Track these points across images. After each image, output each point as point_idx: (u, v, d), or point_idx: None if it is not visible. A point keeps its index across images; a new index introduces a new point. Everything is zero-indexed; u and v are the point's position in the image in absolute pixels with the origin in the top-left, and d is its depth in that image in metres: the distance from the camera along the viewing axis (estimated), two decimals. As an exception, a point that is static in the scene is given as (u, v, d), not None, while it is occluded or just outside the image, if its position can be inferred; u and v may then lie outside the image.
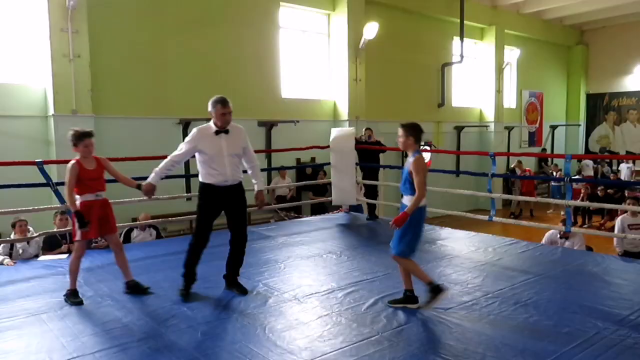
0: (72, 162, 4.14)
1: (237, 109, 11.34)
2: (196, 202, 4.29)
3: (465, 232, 6.93)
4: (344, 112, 11.94)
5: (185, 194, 8.36)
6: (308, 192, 10.86)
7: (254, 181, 4.36)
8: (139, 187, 4.26)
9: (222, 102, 4.15)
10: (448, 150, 14.28)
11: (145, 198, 6.34)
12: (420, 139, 3.84)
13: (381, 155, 8.47)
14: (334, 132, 7.78)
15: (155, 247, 6.23)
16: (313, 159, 11.11)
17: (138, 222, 6.92)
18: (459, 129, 15.38)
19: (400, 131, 3.80)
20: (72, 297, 4.15)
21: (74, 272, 4.21)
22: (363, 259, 4.86)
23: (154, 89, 9.20)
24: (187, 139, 4.28)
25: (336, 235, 6.85)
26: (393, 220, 3.72)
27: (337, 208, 8.64)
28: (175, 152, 4.30)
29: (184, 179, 9.15)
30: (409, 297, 3.98)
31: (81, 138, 4.10)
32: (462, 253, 5.73)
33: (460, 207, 12.18)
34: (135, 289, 4.34)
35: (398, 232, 3.82)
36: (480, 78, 16.06)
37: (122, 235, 6.87)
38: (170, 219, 7.13)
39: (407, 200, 3.82)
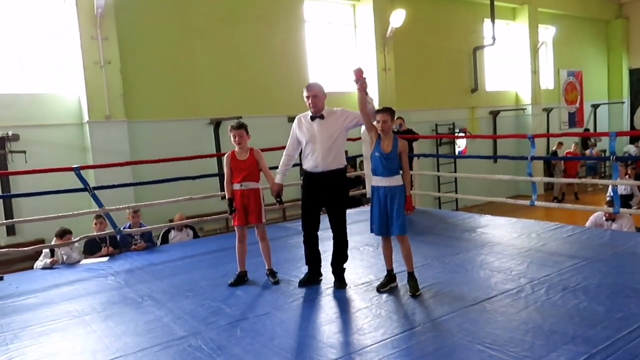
0: (228, 152, 4.53)
1: (266, 106, 11.33)
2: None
3: (507, 218, 6.79)
4: (374, 102, 11.81)
5: (220, 193, 8.45)
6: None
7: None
8: (278, 195, 4.43)
9: (306, 87, 4.26)
10: (484, 135, 13.99)
11: (182, 198, 6.53)
12: None
13: (416, 143, 8.35)
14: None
15: (192, 246, 6.31)
16: (346, 152, 11.07)
17: (175, 223, 7.03)
18: (494, 114, 15.05)
19: (384, 116, 4.02)
20: (234, 280, 4.50)
21: (237, 256, 4.53)
22: (397, 254, 4.81)
23: (183, 90, 9.32)
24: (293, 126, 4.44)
25: (372, 227, 6.79)
26: (408, 207, 4.03)
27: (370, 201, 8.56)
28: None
29: (217, 178, 9.25)
30: (393, 276, 4.21)
31: (230, 130, 4.42)
32: (504, 240, 5.61)
33: (500, 194, 11.91)
34: (269, 276, 4.56)
35: (399, 214, 3.97)
36: (515, 60, 15.63)
37: (160, 237, 6.99)
38: (205, 218, 7.20)
39: (394, 180, 4.01)
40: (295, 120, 4.39)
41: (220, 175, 8.68)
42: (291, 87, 10.61)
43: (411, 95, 12.57)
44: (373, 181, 4.11)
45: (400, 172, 4.06)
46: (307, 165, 4.27)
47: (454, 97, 13.96)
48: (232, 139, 4.44)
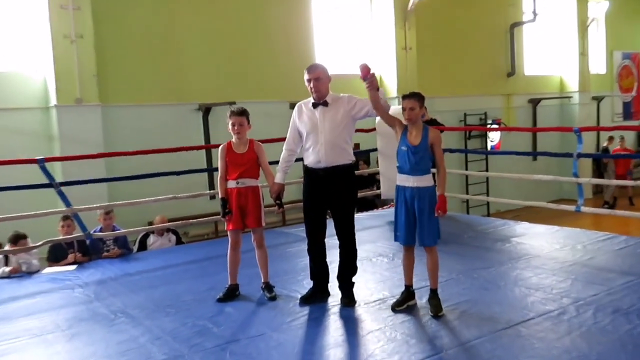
0: (223, 144, 4.52)
1: (264, 90, 11.33)
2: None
3: (547, 226, 6.76)
4: (391, 87, 11.86)
5: (209, 191, 8.46)
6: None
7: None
8: (278, 196, 4.41)
9: (307, 69, 4.26)
10: (521, 128, 13.94)
11: (163, 197, 6.53)
12: None
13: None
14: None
15: (175, 254, 6.31)
16: (357, 145, 11.05)
17: (155, 226, 7.02)
18: (534, 102, 15.01)
19: (410, 102, 3.99)
20: (224, 294, 4.49)
21: (229, 265, 4.53)
22: (421, 262, 4.76)
23: (167, 70, 9.34)
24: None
25: (388, 234, 6.77)
26: (440, 208, 3.95)
27: (388, 203, 8.55)
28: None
29: (206, 174, 9.25)
30: (411, 292, 4.18)
31: (230, 116, 4.41)
32: (544, 252, 5.58)
33: (540, 197, 11.79)
34: (265, 291, 4.54)
35: (430, 219, 3.96)
36: (559, 39, 15.59)
37: (137, 242, 7.00)
38: (191, 221, 7.20)
39: (423, 180, 3.98)
40: (295, 108, 4.38)
41: (211, 170, 8.73)
42: (294, 69, 10.54)
43: (436, 80, 12.55)
44: (398, 180, 4.09)
45: (433, 170, 4.02)
46: (309, 160, 4.27)
47: (487, 82, 13.92)
48: (230, 127, 4.43)
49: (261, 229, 4.54)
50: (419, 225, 4.00)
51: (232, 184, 4.45)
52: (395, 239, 4.14)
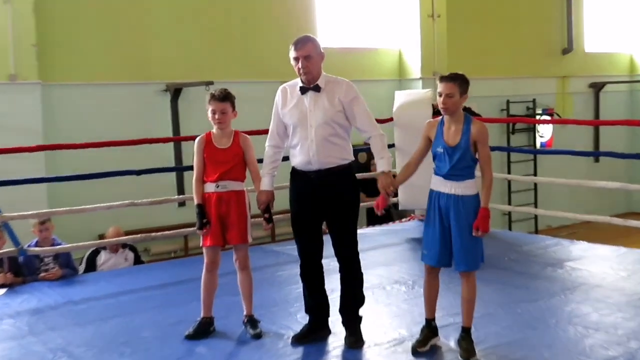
0: (201, 135, 4.55)
1: (250, 67, 11.35)
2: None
3: (612, 247, 6.79)
4: (413, 66, 11.86)
5: (177, 197, 8.44)
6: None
7: (376, 159, 4.34)
8: (267, 208, 4.42)
9: (294, 43, 4.24)
10: (580, 121, 13.90)
11: (119, 203, 6.51)
12: None
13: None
14: (400, 97, 7.72)
15: (132, 276, 6.30)
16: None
17: (107, 241, 7.01)
18: (597, 87, 14.99)
19: (449, 87, 3.99)
20: (194, 329, 4.48)
21: (203, 293, 4.53)
22: (448, 291, 4.74)
23: (128, 41, 9.32)
24: None
25: (406, 255, 6.80)
26: (479, 226, 3.94)
27: (408, 214, 8.54)
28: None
29: (175, 174, 9.23)
30: (434, 328, 4.19)
31: (210, 101, 4.45)
32: (607, 281, 5.59)
33: (603, 210, 11.82)
34: (248, 326, 4.55)
35: (470, 237, 3.97)
36: (630, 7, 15.57)
37: (85, 260, 6.99)
38: (154, 234, 7.18)
39: (463, 186, 3.98)
40: (278, 92, 4.36)
41: (181, 169, 8.70)
42: (287, 41, 10.50)
43: (470, 56, 12.52)
44: (432, 182, 4.08)
45: (476, 174, 4.02)
46: (296, 161, 4.26)
47: (535, 60, 13.91)
48: (209, 114, 4.44)
49: (246, 247, 4.54)
50: (455, 244, 3.99)
51: (210, 187, 4.44)
52: (422, 259, 4.13)
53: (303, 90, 4.23)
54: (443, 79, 4.05)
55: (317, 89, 4.21)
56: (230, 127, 4.49)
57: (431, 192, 4.09)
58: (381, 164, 4.24)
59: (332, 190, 4.21)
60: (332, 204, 4.23)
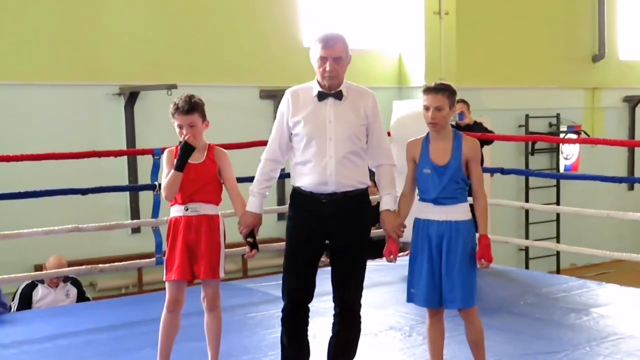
0: (170, 149, 4.58)
1: (222, 69, 11.36)
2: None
3: (647, 291, 6.81)
4: (416, 72, 11.92)
5: (130, 222, 8.42)
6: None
7: (382, 193, 4.36)
8: (252, 233, 4.42)
9: (323, 40, 4.17)
10: (612, 140, 13.97)
11: (60, 228, 6.48)
12: None
13: (486, 149, 8.37)
14: (399, 108, 7.78)
15: (75, 316, 6.27)
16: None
17: (46, 272, 6.98)
18: (632, 102, 15.08)
19: (436, 99, 4.09)
20: None
21: (161, 337, 4.50)
22: (452, 340, 4.76)
23: (76, 37, 9.30)
24: (278, 109, 4.42)
25: (402, 297, 6.60)
26: (483, 256, 4.08)
27: (407, 248, 8.55)
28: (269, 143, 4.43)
29: (128, 194, 9.21)
30: None
31: (174, 114, 4.45)
32: (641, 331, 5.63)
33: (638, 246, 11.91)
34: None
35: (463, 270, 4.05)
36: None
37: (18, 295, 6.96)
38: (101, 266, 7.16)
39: (455, 211, 4.07)
40: (287, 96, 4.31)
41: (135, 188, 8.66)
42: (269, 42, 10.65)
43: (482, 62, 12.64)
44: (417, 210, 4.12)
45: (469, 198, 4.10)
46: (306, 180, 4.21)
47: (561, 68, 14.00)
48: (176, 129, 4.43)
49: (217, 283, 4.53)
50: (449, 278, 4.03)
51: (178, 210, 4.45)
52: (409, 299, 4.16)
53: (321, 96, 4.21)
54: (429, 90, 4.12)
55: (339, 96, 4.20)
56: (202, 140, 4.50)
57: (417, 221, 4.14)
58: (388, 201, 4.26)
59: (347, 219, 4.19)
60: (346, 235, 4.22)
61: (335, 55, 4.11)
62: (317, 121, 4.17)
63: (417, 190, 4.25)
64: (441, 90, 4.10)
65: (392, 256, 4.23)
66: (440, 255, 4.03)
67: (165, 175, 4.46)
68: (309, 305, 4.35)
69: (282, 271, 4.35)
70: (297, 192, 4.26)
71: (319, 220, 4.18)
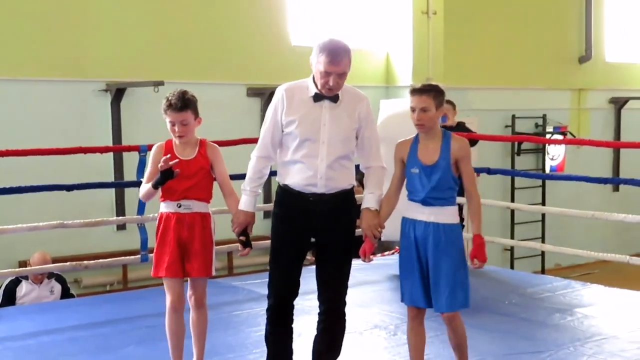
0: (159, 143, 4.55)
1: (208, 66, 11.32)
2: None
3: (631, 292, 6.83)
4: (403, 71, 11.95)
5: (115, 218, 8.40)
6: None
7: (366, 192, 4.37)
8: (245, 231, 4.38)
9: (330, 54, 4.09)
10: (598, 142, 14.03)
11: (45, 225, 6.46)
12: None
13: (473, 149, 8.38)
14: (386, 107, 7.81)
15: (59, 313, 6.25)
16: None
17: (30, 269, 6.96)
18: (618, 103, 15.14)
19: (422, 100, 4.10)
20: None
21: (171, 341, 4.48)
22: (437, 340, 4.78)
23: (62, 32, 9.27)
24: (270, 105, 4.38)
25: (387, 296, 6.80)
26: (476, 256, 4.10)
27: (393, 247, 8.56)
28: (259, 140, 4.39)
29: (114, 190, 9.20)
30: None
31: (167, 111, 4.40)
32: (625, 331, 5.63)
33: (622, 247, 11.96)
34: None
35: (450, 273, 4.03)
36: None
37: (1, 291, 6.94)
38: (86, 262, 7.14)
39: (443, 212, 4.07)
40: (281, 93, 4.27)
41: (121, 185, 8.66)
42: (256, 39, 10.63)
43: (469, 62, 12.67)
44: (406, 210, 4.12)
45: (460, 199, 4.11)
46: (294, 179, 4.20)
47: (548, 69, 14.04)
48: (168, 126, 4.42)
49: (206, 281, 4.53)
50: (434, 281, 4.04)
51: (170, 206, 4.42)
52: (403, 300, 4.17)
53: (317, 98, 4.20)
54: (415, 91, 4.14)
55: (335, 99, 4.20)
56: (194, 136, 4.48)
57: (404, 220, 4.14)
58: (371, 200, 4.26)
59: (333, 217, 4.20)
60: (332, 234, 4.22)
61: (341, 72, 4.11)
62: (312, 123, 4.16)
63: (405, 192, 4.25)
64: (427, 92, 4.11)
65: (366, 257, 4.22)
66: (426, 256, 4.04)
67: (148, 173, 4.46)
68: (294, 302, 4.34)
69: (268, 268, 4.35)
70: (283, 189, 4.25)
71: (305, 217, 4.18)
